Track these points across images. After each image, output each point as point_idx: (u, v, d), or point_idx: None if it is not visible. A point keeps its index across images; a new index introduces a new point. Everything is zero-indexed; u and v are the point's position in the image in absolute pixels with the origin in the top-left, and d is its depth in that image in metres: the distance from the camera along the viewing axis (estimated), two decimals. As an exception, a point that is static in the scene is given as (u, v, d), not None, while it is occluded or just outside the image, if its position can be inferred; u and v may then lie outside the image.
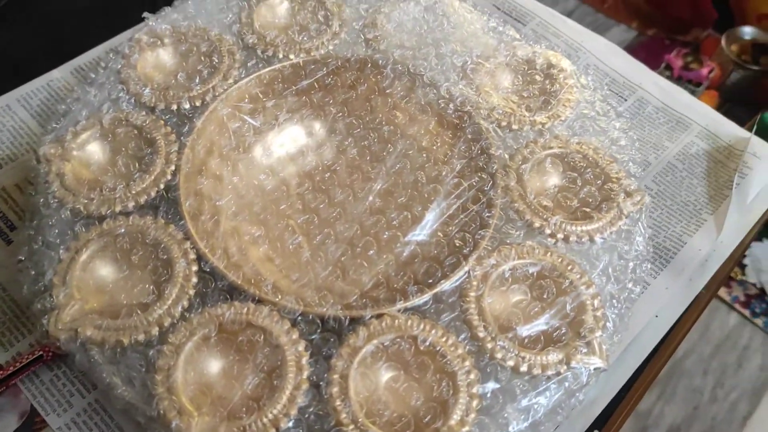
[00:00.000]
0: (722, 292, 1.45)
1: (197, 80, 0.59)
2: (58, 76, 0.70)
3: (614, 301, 0.51)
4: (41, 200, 0.53)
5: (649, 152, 0.68)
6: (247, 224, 0.55)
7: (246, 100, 0.59)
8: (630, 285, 0.52)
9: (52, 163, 0.54)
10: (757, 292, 1.46)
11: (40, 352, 0.53)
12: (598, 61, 0.75)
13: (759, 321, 1.43)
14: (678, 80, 1.71)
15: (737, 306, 1.46)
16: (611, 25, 1.95)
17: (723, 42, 1.73)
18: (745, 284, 1.48)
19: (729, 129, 0.71)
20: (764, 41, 1.69)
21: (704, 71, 1.84)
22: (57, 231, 0.51)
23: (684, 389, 1.36)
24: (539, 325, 0.49)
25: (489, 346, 0.47)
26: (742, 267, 1.49)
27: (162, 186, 0.53)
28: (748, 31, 1.75)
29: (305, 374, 0.45)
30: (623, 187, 0.55)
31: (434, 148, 0.59)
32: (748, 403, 1.35)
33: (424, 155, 0.59)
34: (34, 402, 0.52)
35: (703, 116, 0.72)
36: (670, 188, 0.66)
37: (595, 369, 0.47)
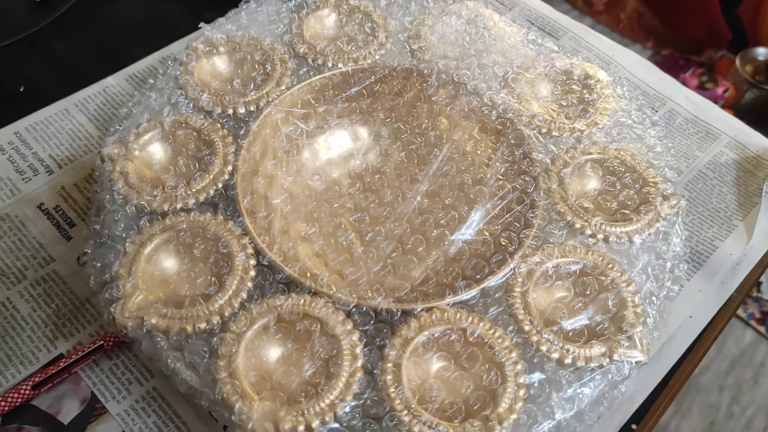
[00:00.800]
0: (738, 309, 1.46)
1: (251, 86, 0.62)
2: (113, 82, 0.73)
3: (653, 298, 0.53)
4: (106, 197, 0.55)
5: (681, 161, 0.70)
6: (300, 222, 0.57)
7: (298, 106, 0.62)
8: (668, 283, 0.54)
9: (116, 163, 0.57)
10: (774, 309, 1.48)
11: (101, 342, 0.55)
12: (629, 74, 0.78)
13: (775, 337, 1.44)
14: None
15: (753, 323, 1.47)
16: (627, 45, 1.98)
17: (737, 62, 1.76)
18: (760, 301, 1.49)
19: (757, 140, 0.73)
20: (778, 62, 1.71)
21: (719, 91, 1.86)
22: (122, 225, 0.54)
23: (700, 405, 1.37)
24: (582, 319, 0.51)
25: (534, 338, 0.49)
26: (758, 284, 1.50)
27: (220, 185, 0.56)
28: (762, 52, 1.78)
29: (360, 362, 0.48)
30: (660, 191, 0.57)
31: (478, 152, 0.62)
32: (764, 419, 1.36)
33: (469, 159, 0.62)
34: (94, 389, 0.54)
35: (731, 128, 0.74)
36: (702, 195, 0.68)
37: (636, 362, 0.49)
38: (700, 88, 1.85)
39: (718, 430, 1.36)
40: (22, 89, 0.73)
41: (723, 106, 1.76)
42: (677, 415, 1.35)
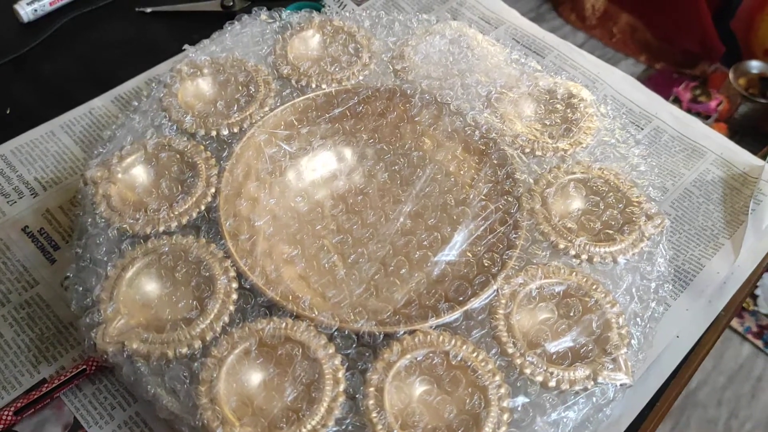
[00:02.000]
0: (735, 323, 1.46)
1: (235, 108, 0.62)
2: (99, 104, 0.73)
3: (638, 319, 0.53)
4: (89, 220, 0.55)
5: (667, 179, 0.70)
6: (283, 244, 0.57)
7: (281, 127, 0.62)
8: (653, 304, 0.54)
9: (99, 186, 0.57)
10: (770, 323, 1.47)
11: (84, 366, 0.55)
12: (615, 92, 0.78)
13: (772, 351, 1.44)
14: (686, 113, 1.74)
15: (750, 337, 1.46)
16: (620, 59, 1.99)
17: (731, 75, 1.76)
18: (757, 315, 1.49)
19: (743, 157, 0.73)
20: (771, 75, 1.72)
21: (713, 104, 1.87)
22: (104, 249, 0.54)
23: (698, 420, 1.36)
24: (566, 341, 0.51)
25: (518, 361, 0.49)
26: (754, 297, 1.50)
27: (203, 207, 0.56)
28: (755, 65, 1.78)
29: (342, 387, 0.47)
30: (644, 211, 0.57)
31: (461, 172, 0.62)
32: (763, 434, 1.35)
33: (452, 179, 0.62)
34: (77, 414, 0.54)
35: (717, 145, 0.74)
36: (688, 213, 0.68)
37: (621, 384, 0.49)
38: (694, 102, 1.85)
39: (716, 446, 1.35)
40: (8, 111, 0.73)
41: (716, 120, 1.77)
42: (675, 430, 1.35)
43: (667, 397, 0.57)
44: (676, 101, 1.78)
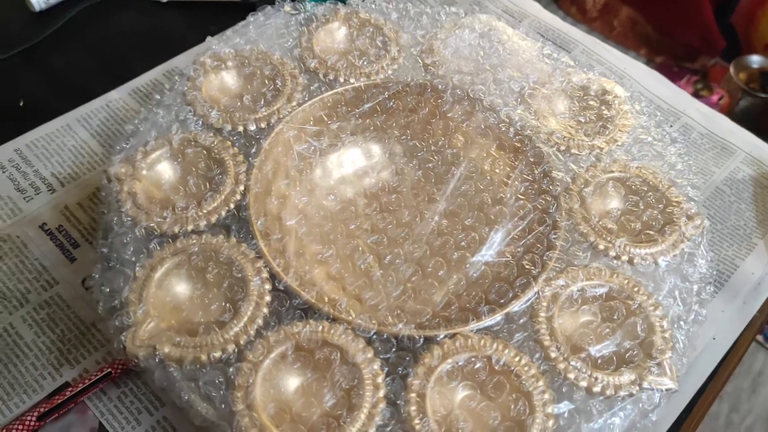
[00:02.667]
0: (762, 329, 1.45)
1: (262, 103, 0.60)
2: (117, 97, 0.71)
3: (681, 322, 0.51)
4: (114, 219, 0.53)
5: (698, 177, 0.69)
6: (316, 244, 0.55)
7: (311, 123, 0.60)
8: (696, 307, 0.52)
9: (124, 183, 0.55)
10: (769, 317, 1.47)
11: (109, 369, 0.53)
12: (642, 87, 0.77)
13: (773, 346, 1.44)
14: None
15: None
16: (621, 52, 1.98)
17: (731, 70, 1.76)
18: (759, 310, 1.48)
19: (772, 155, 0.72)
20: (772, 70, 1.71)
21: (714, 98, 1.86)
22: (131, 249, 0.52)
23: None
24: (610, 345, 0.49)
25: (562, 366, 0.48)
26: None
27: (232, 206, 0.54)
28: (755, 60, 1.78)
29: (382, 393, 0.46)
30: (684, 211, 0.56)
31: (496, 170, 0.60)
32: (763, 428, 1.35)
33: (487, 177, 0.60)
34: (102, 419, 0.52)
35: (746, 143, 0.73)
36: (720, 213, 0.67)
37: (667, 389, 0.48)
38: (696, 96, 1.85)
39: (716, 439, 1.35)
40: (21, 104, 0.70)
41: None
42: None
43: (704, 400, 0.56)
44: (680, 95, 1.77)
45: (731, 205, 0.68)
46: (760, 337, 1.47)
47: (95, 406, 0.53)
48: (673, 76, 1.90)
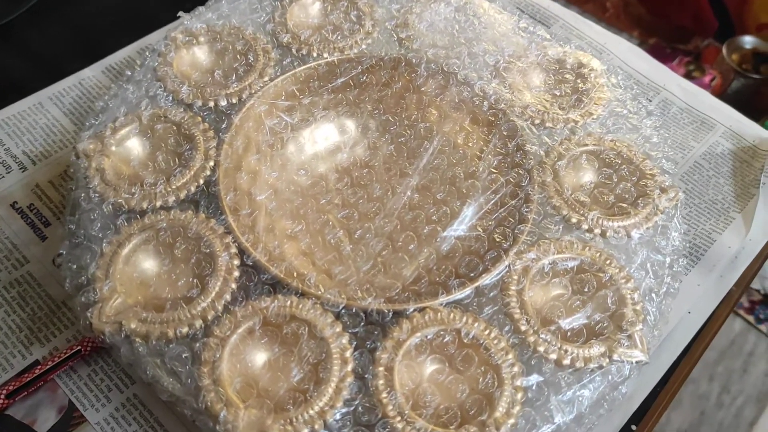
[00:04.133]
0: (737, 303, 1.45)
1: (233, 78, 0.60)
2: (90, 74, 0.70)
3: (653, 294, 0.51)
4: (82, 195, 0.53)
5: (676, 152, 0.69)
6: (286, 219, 0.55)
7: (282, 98, 0.60)
8: (668, 279, 0.52)
9: (92, 159, 0.54)
10: (762, 298, 1.47)
11: (78, 347, 0.53)
12: (622, 62, 0.76)
13: (763, 327, 1.43)
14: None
15: (742, 312, 1.46)
16: (613, 33, 1.97)
17: (724, 51, 1.74)
18: (749, 290, 1.48)
19: (753, 130, 0.72)
20: (765, 50, 1.70)
21: (706, 79, 1.85)
22: (99, 225, 0.51)
23: (690, 395, 1.36)
24: (580, 318, 0.49)
25: (531, 339, 0.47)
26: (747, 288, 1.49)
27: (202, 181, 0.54)
28: (748, 40, 1.76)
29: (350, 367, 0.46)
30: (658, 184, 0.55)
31: (469, 144, 0.60)
32: (754, 409, 1.35)
33: (460, 151, 0.59)
34: (71, 397, 0.52)
35: (726, 117, 0.73)
36: (698, 187, 0.66)
37: (637, 362, 0.48)
38: (687, 77, 1.83)
39: (708, 420, 1.35)
40: (-6, 82, 0.70)
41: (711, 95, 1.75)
42: (667, 405, 1.34)
43: (679, 373, 0.56)
44: (671, 76, 1.76)
45: (709, 179, 0.67)
46: (751, 318, 1.47)
47: (65, 384, 0.52)
48: (666, 57, 1.88)
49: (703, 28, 1.86)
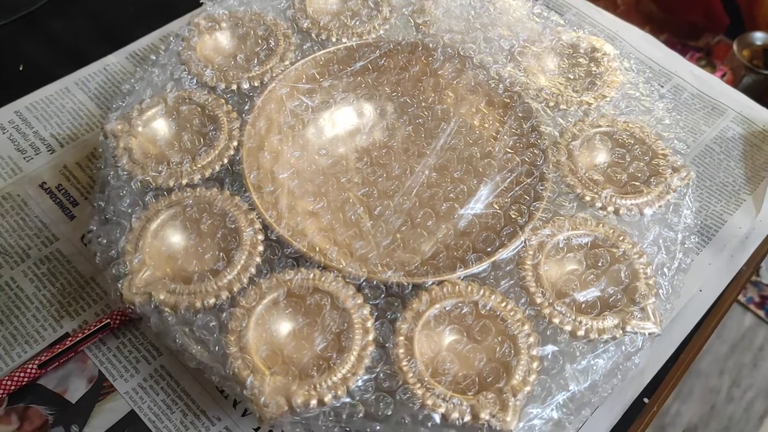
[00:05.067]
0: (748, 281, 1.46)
1: (255, 62, 0.61)
2: (114, 60, 0.72)
3: (665, 269, 0.52)
4: (110, 173, 0.55)
5: (688, 135, 0.70)
6: (308, 197, 0.57)
7: (303, 81, 0.61)
8: (680, 255, 0.53)
9: (120, 139, 0.56)
10: (772, 293, 1.47)
11: (107, 320, 0.54)
12: (634, 49, 0.78)
13: (774, 321, 1.44)
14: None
15: (752, 307, 1.47)
16: (625, 29, 1.97)
17: (735, 47, 1.75)
18: (759, 285, 1.49)
19: (763, 115, 0.73)
20: (775, 47, 1.70)
21: (717, 75, 1.85)
22: (128, 201, 0.53)
23: (701, 389, 1.36)
24: (594, 291, 0.50)
25: (547, 311, 0.49)
26: (757, 269, 1.50)
27: (226, 160, 0.55)
28: (759, 37, 1.77)
29: (371, 336, 0.47)
30: (670, 163, 0.57)
31: (485, 126, 0.61)
32: (764, 403, 1.36)
33: (476, 132, 0.61)
34: (101, 368, 0.54)
35: (737, 102, 0.74)
36: (709, 170, 0.68)
37: (649, 333, 0.49)
38: (699, 73, 1.84)
39: (718, 414, 1.35)
40: (21, 68, 0.72)
41: (722, 90, 1.76)
42: (677, 399, 1.35)
43: (690, 349, 0.58)
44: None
45: (720, 162, 0.68)
46: (761, 313, 1.47)
47: (95, 356, 0.54)
48: (677, 53, 1.89)
49: (714, 25, 1.87)
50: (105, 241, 0.52)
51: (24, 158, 0.64)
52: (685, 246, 0.54)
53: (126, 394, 0.52)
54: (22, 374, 0.52)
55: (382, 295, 0.49)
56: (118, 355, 0.54)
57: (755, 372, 1.40)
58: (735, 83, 1.78)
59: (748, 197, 0.66)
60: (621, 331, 0.48)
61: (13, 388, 0.52)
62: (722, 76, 1.82)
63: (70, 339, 0.54)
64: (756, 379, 1.39)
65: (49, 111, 0.68)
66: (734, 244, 0.63)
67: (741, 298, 1.47)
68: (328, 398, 0.44)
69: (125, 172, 0.54)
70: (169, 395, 0.52)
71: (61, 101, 0.68)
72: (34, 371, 0.52)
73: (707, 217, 0.64)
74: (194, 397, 0.52)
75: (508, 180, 0.56)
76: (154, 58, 0.63)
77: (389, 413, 0.45)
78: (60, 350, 0.53)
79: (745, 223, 0.64)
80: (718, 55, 1.87)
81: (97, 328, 0.54)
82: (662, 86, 0.74)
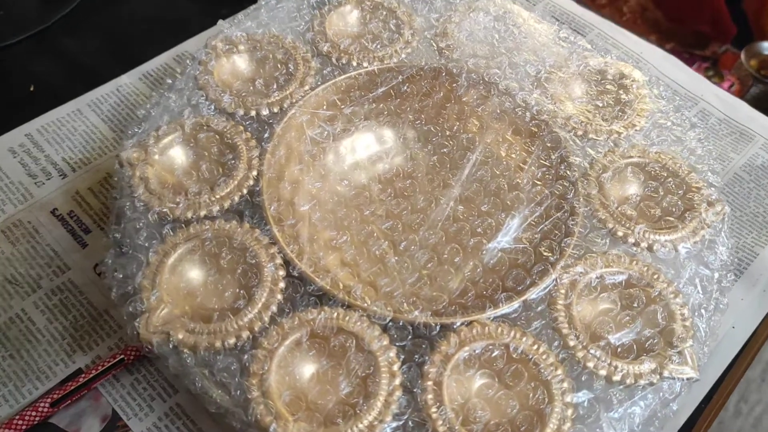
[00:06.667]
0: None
1: (274, 87, 0.59)
2: (127, 81, 0.70)
3: (702, 310, 0.50)
4: (126, 204, 0.53)
5: (715, 163, 0.68)
6: (330, 230, 0.55)
7: (324, 107, 0.59)
8: (716, 294, 0.52)
9: (136, 168, 0.54)
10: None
11: (122, 356, 0.53)
12: (659, 72, 0.76)
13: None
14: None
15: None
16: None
17: (742, 57, 1.73)
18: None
19: (793, 141, 0.71)
20: (783, 56, 1.69)
21: (725, 86, 1.83)
22: (144, 235, 0.51)
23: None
24: (630, 334, 0.49)
25: (580, 354, 0.47)
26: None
27: (245, 191, 0.54)
28: (767, 46, 1.75)
29: (398, 380, 0.45)
30: (704, 197, 0.55)
31: (512, 156, 0.59)
32: (773, 419, 1.34)
33: (503, 163, 0.59)
34: (115, 406, 0.52)
35: (765, 128, 0.72)
36: (739, 199, 0.66)
37: (687, 378, 0.47)
38: (707, 83, 1.82)
39: (726, 429, 1.33)
40: (32, 89, 0.70)
41: (731, 101, 1.74)
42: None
43: (724, 389, 0.56)
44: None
45: (750, 191, 0.66)
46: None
47: (108, 393, 0.52)
48: (684, 62, 1.87)
49: (721, 34, 1.85)
50: (121, 275, 0.50)
51: (35, 183, 0.62)
52: (722, 285, 0.52)
53: (141, 433, 0.51)
54: (33, 413, 0.50)
55: (409, 337, 0.48)
56: (132, 392, 0.52)
57: (764, 387, 1.38)
58: (742, 93, 1.77)
59: (780, 229, 0.64)
60: (659, 376, 0.47)
61: (24, 427, 0.50)
62: (730, 86, 1.81)
63: (83, 375, 0.52)
64: (764, 395, 1.37)
65: (60, 134, 0.66)
66: (766, 278, 0.61)
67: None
68: (354, 447, 0.42)
69: (142, 203, 0.53)
70: (185, 436, 0.51)
71: (73, 123, 0.67)
72: (46, 410, 0.50)
73: (738, 250, 0.62)
74: (221, 434, 0.50)
75: (537, 213, 0.54)
76: (170, 81, 0.61)
77: (419, 464, 0.43)
78: (72, 387, 0.51)
79: (777, 256, 0.62)
80: (725, 64, 1.85)
81: (110, 364, 0.52)
82: (689, 110, 0.72)
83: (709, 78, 1.88)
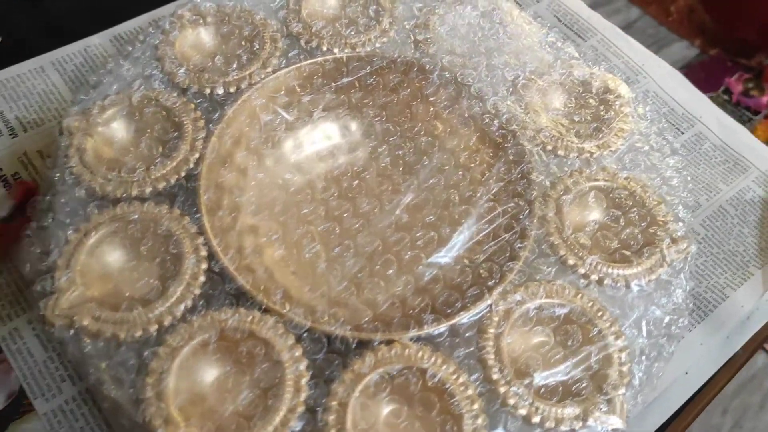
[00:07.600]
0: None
1: (235, 65, 0.56)
2: (97, 42, 0.68)
3: (643, 357, 0.47)
4: (57, 175, 0.51)
5: (701, 193, 0.64)
6: (266, 224, 0.52)
7: (282, 92, 0.56)
8: (663, 341, 0.48)
9: (74, 137, 0.52)
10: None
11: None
12: (658, 87, 0.71)
13: (789, 364, 1.37)
14: (736, 106, 1.65)
15: (766, 346, 1.40)
16: (673, 40, 1.86)
17: (789, 72, 1.65)
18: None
19: (792, 177, 0.66)
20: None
21: (764, 99, 1.76)
22: (68, 209, 0.49)
23: (700, 426, 1.30)
24: (559, 374, 0.45)
25: (502, 390, 0.44)
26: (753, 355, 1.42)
27: (183, 174, 0.51)
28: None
29: (302, 397, 0.43)
30: (669, 233, 0.51)
31: (472, 165, 0.56)
32: (766, 448, 1.30)
33: (460, 173, 0.55)
34: (24, 383, 0.50)
35: (764, 160, 0.67)
36: (719, 234, 0.62)
37: (612, 429, 0.44)
38: (745, 95, 1.74)
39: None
40: (0, 40, 0.68)
41: (765, 117, 1.67)
42: (676, 432, 1.29)
43: (667, 438, 0.52)
44: (727, 92, 1.67)
45: (732, 228, 0.62)
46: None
47: (19, 368, 0.50)
48: (725, 71, 1.79)
49: (768, 44, 1.77)
50: (38, 251, 0.48)
51: (-17, 139, 0.61)
52: (671, 331, 0.49)
53: (44, 415, 0.49)
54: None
55: (323, 350, 0.45)
56: (44, 370, 0.51)
57: (761, 414, 1.33)
58: (780, 112, 1.69)
59: (757, 272, 0.59)
60: (581, 423, 0.43)
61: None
62: (768, 103, 1.73)
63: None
64: (761, 422, 1.32)
65: (18, 91, 0.64)
66: (733, 324, 0.57)
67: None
68: (240, 464, 0.40)
69: (72, 176, 0.50)
70: (88, 423, 0.49)
71: (33, 81, 0.64)
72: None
73: (707, 290, 0.58)
74: (115, 428, 0.48)
75: (484, 232, 0.51)
76: (130, 48, 0.58)
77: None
78: None
79: (749, 301, 0.58)
80: (768, 77, 1.77)
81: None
82: (683, 132, 0.68)
83: (748, 90, 1.80)
